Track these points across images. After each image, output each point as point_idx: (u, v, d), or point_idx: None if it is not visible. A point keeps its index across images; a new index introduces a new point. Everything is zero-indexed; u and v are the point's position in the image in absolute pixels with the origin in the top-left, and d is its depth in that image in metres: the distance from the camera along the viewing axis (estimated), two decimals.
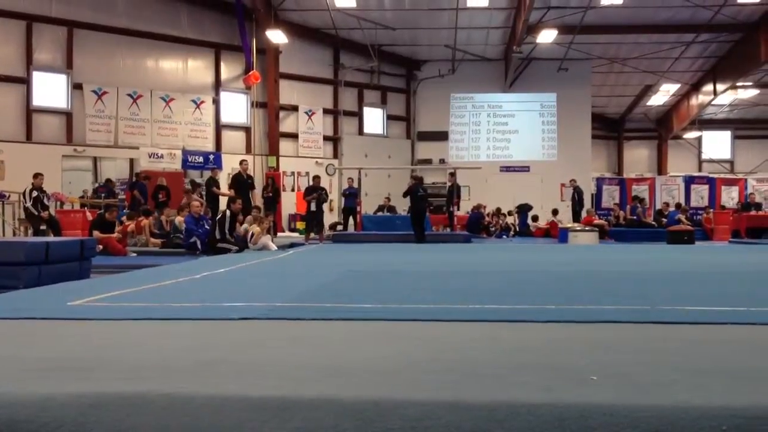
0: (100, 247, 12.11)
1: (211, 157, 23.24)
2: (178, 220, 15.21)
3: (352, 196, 21.32)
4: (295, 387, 2.45)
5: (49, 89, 21.24)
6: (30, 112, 20.84)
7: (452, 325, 4.11)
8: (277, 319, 4.33)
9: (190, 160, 22.91)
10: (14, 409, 2.20)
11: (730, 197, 26.50)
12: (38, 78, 21.07)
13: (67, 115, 21.50)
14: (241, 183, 17.34)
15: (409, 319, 4.30)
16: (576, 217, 22.46)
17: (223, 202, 17.80)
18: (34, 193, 14.49)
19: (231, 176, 18.72)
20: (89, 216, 15.82)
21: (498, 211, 24.25)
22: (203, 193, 18.55)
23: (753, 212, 21.67)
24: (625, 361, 2.96)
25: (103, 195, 19.84)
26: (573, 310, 4.67)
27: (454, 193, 20.90)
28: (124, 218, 15.16)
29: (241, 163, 18.43)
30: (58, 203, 18.80)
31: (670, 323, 4.01)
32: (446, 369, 2.77)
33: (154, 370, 2.77)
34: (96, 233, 12.95)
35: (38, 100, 21.00)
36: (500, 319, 4.27)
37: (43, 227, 14.62)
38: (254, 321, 4.25)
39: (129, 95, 22.32)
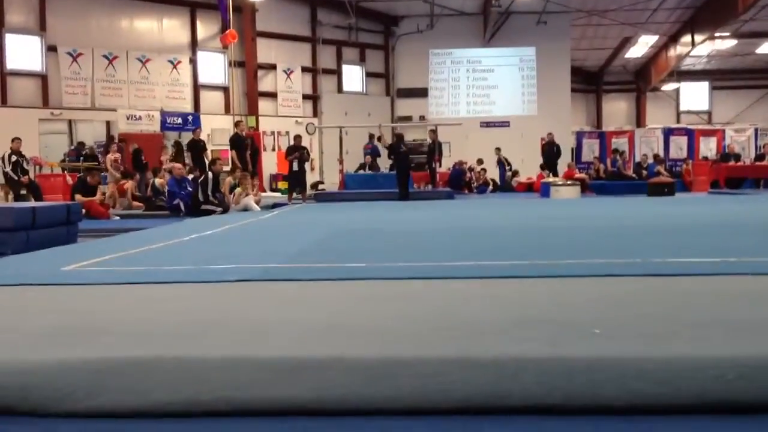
0: (83, 210, 12.01)
1: (190, 117, 23.00)
2: (160, 182, 15.11)
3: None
4: (302, 347, 2.48)
5: (23, 52, 20.86)
6: (4, 75, 20.45)
7: (449, 282, 4.12)
8: (274, 281, 4.34)
9: (168, 121, 22.65)
10: (25, 376, 2.21)
11: (708, 148, 26.60)
12: (11, 40, 20.65)
13: (42, 78, 21.15)
14: (240, 144, 17.21)
15: (405, 278, 4.28)
16: (553, 169, 22.40)
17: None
18: (13, 158, 14.32)
19: (230, 138, 18.37)
20: (69, 180, 15.69)
21: (480, 162, 24.21)
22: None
23: (732, 162, 21.81)
24: (625, 315, 3.00)
25: (81, 159, 19.62)
26: (565, 264, 4.69)
27: (435, 149, 20.85)
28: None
29: (237, 124, 18.29)
30: (37, 167, 18.60)
31: (664, 275, 4.06)
32: (450, 326, 2.79)
33: (160, 334, 2.79)
34: (78, 197, 12.84)
35: (12, 63, 20.61)
36: (496, 276, 4.25)
37: (23, 192, 14.49)
38: (251, 282, 4.26)
39: (105, 56, 21.96)
